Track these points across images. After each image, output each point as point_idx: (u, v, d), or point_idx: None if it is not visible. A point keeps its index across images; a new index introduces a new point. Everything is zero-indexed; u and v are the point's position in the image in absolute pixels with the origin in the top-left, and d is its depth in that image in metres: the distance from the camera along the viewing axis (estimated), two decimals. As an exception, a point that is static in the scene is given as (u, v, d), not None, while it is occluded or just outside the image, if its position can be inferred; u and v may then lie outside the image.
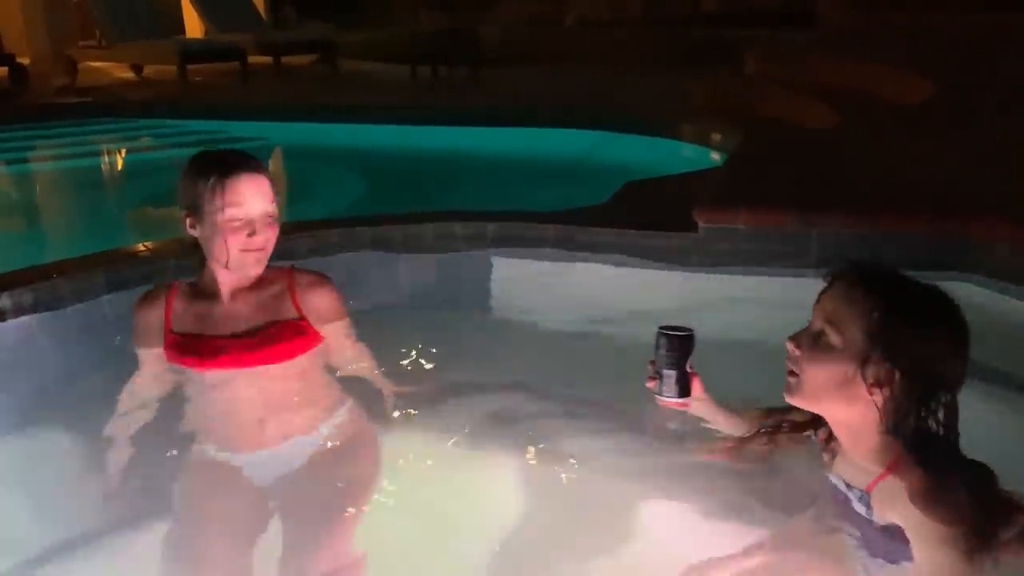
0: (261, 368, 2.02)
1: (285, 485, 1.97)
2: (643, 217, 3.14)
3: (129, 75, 10.44)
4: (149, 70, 10.35)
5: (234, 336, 2.02)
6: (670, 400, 1.67)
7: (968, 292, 2.65)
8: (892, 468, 1.42)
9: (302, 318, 2.07)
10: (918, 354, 1.37)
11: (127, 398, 2.14)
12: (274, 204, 1.98)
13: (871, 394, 1.39)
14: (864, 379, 1.39)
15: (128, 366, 2.20)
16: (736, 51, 8.02)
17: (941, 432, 1.40)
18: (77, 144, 7.49)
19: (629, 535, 1.86)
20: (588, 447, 2.18)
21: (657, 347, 1.65)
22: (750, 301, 2.81)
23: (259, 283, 2.07)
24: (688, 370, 1.66)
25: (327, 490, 1.94)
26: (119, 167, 7.54)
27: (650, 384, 1.69)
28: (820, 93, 5.52)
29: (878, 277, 1.44)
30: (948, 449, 1.41)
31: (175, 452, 2.06)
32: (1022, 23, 6.68)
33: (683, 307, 2.82)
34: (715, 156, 5.22)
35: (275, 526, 1.88)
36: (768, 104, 5.71)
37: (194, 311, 2.06)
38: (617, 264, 3.01)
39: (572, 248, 3.09)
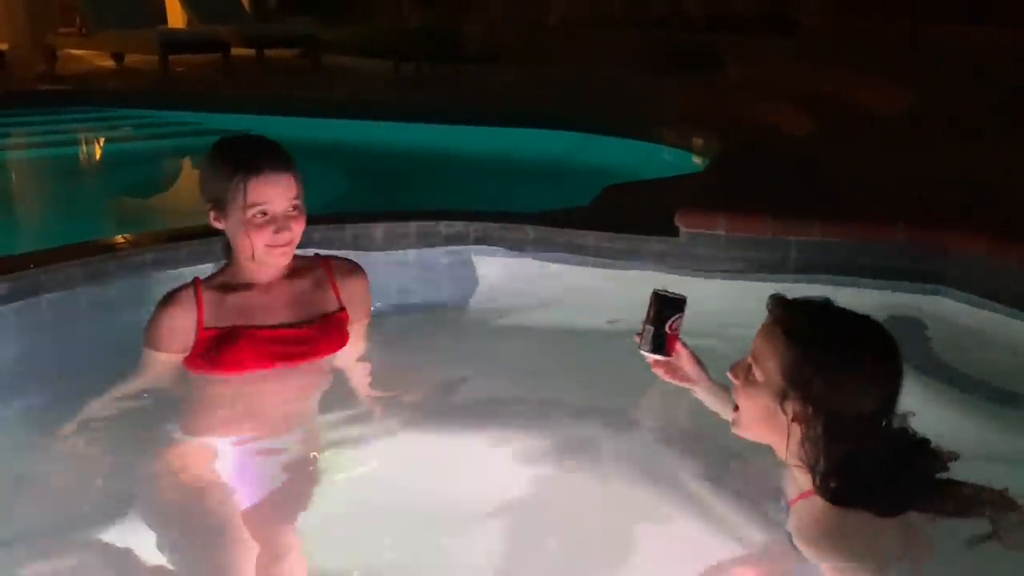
0: (312, 362, 2.00)
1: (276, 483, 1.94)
2: (624, 221, 3.15)
3: (110, 64, 10.32)
4: (130, 59, 10.24)
5: (282, 327, 1.98)
6: (645, 354, 1.76)
7: (942, 304, 2.69)
8: (808, 493, 1.46)
9: (342, 308, 2.06)
10: (829, 394, 1.38)
11: (126, 399, 2.08)
12: (299, 196, 1.96)
13: (791, 427, 1.42)
14: (785, 413, 1.42)
15: (104, 359, 2.18)
16: (718, 56, 8.08)
17: (867, 462, 1.40)
18: (54, 132, 7.40)
19: (619, 536, 1.86)
20: (567, 448, 2.18)
21: (647, 305, 1.74)
22: (730, 306, 2.83)
23: (293, 271, 2.04)
24: (668, 331, 1.71)
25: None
26: (97, 156, 7.46)
27: (636, 338, 1.75)
28: (801, 100, 5.58)
29: (799, 316, 1.45)
30: (873, 478, 1.40)
31: (165, 452, 2.01)
32: (1004, 35, 6.77)
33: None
34: (697, 160, 5.24)
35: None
36: (750, 110, 5.76)
37: (229, 303, 1.99)
38: (597, 267, 3.02)
39: (552, 250, 3.10)
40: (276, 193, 1.91)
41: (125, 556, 1.80)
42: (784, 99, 5.73)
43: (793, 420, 1.41)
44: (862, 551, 1.40)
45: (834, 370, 1.38)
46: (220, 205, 1.93)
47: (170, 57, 9.39)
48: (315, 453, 2.05)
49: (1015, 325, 2.51)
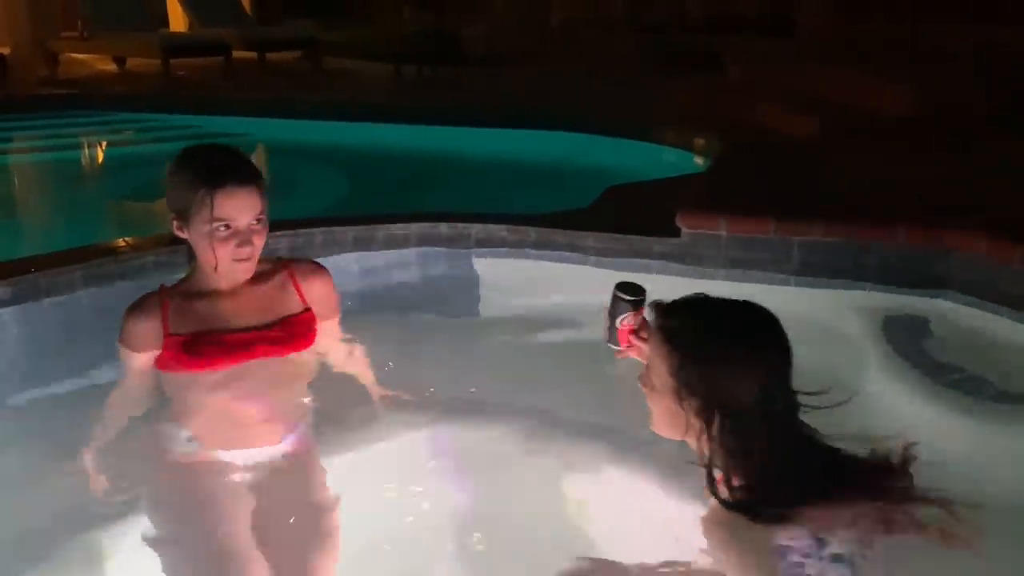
0: (276, 360, 2.01)
1: (269, 483, 1.97)
2: (625, 222, 3.15)
3: (111, 67, 10.34)
4: (132, 63, 10.25)
5: (249, 329, 2.00)
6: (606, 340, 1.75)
7: (944, 305, 2.69)
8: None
9: (308, 308, 2.08)
10: (710, 388, 1.39)
11: (117, 401, 2.10)
12: (264, 211, 1.97)
13: (692, 425, 1.43)
14: (686, 413, 1.44)
15: (107, 363, 2.19)
16: (719, 57, 8.07)
17: (763, 459, 1.39)
18: (56, 136, 7.41)
19: (621, 541, 1.87)
20: (567, 450, 2.19)
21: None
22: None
23: (257, 276, 2.05)
24: (619, 326, 1.70)
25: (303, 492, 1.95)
26: (99, 160, 7.47)
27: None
28: (802, 101, 5.58)
29: (674, 319, 1.46)
30: (767, 472, 1.40)
31: (161, 456, 2.03)
32: (1007, 36, 6.76)
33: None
34: (698, 161, 5.24)
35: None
36: (750, 110, 5.76)
37: (193, 309, 2.02)
38: (598, 268, 3.02)
39: (554, 250, 3.10)
40: (241, 208, 1.91)
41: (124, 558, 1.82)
42: (785, 100, 5.73)
43: (695, 418, 1.43)
44: (744, 547, 1.38)
45: (708, 365, 1.40)
46: (184, 216, 1.94)
47: (171, 60, 9.41)
48: (304, 447, 2.06)
49: (1017, 327, 2.50)
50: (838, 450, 1.45)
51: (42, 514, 1.96)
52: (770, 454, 1.39)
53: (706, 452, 1.43)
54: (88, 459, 2.04)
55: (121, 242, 3.00)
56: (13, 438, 2.30)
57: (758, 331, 1.43)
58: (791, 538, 1.33)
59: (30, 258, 2.80)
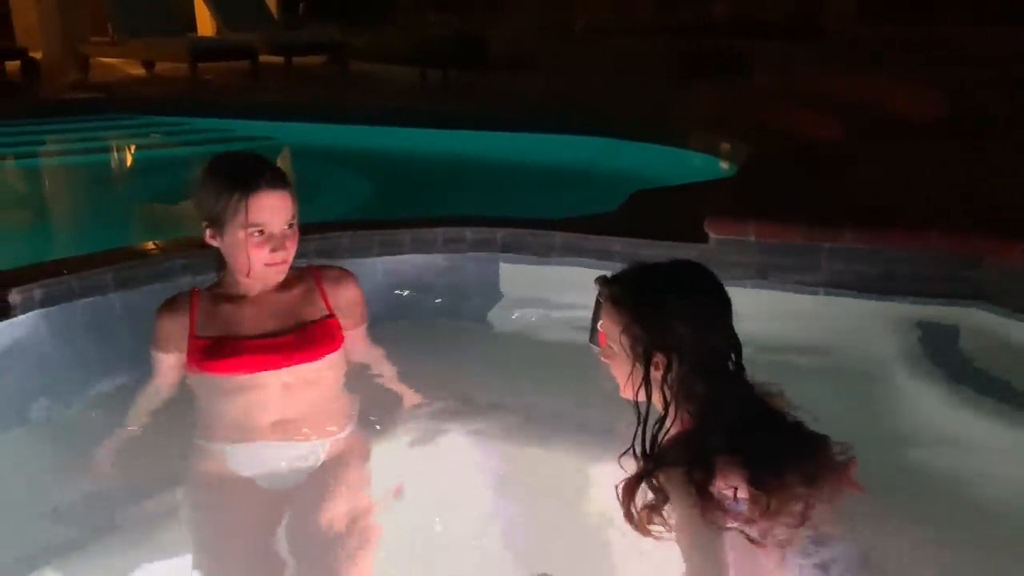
0: (293, 369, 2.02)
1: (295, 489, 1.97)
2: (652, 227, 3.13)
3: (140, 72, 10.46)
4: (160, 67, 10.37)
5: (265, 336, 2.02)
6: None
7: (977, 315, 2.65)
8: None
9: (331, 315, 2.09)
10: (652, 341, 1.50)
11: (145, 402, 2.13)
12: (295, 215, 1.99)
13: (649, 382, 1.52)
14: (642, 370, 1.52)
15: (137, 365, 2.21)
16: (745, 62, 8.02)
17: (703, 399, 1.49)
18: (87, 140, 7.51)
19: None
20: (595, 454, 2.17)
21: None
22: (759, 314, 2.81)
23: (284, 283, 2.07)
24: (598, 327, 1.71)
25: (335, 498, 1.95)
26: (128, 163, 7.56)
27: None
28: (830, 105, 5.52)
29: (617, 285, 1.58)
30: (711, 414, 1.48)
31: (186, 457, 2.05)
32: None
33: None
34: (724, 166, 5.21)
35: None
36: (777, 115, 5.71)
37: (220, 314, 2.05)
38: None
39: (580, 255, 3.09)
40: (275, 212, 1.94)
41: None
42: (813, 105, 5.68)
43: (647, 370, 1.52)
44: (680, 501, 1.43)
45: (648, 317, 1.51)
46: (217, 223, 1.96)
47: (199, 64, 9.50)
48: (337, 451, 2.07)
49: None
50: (799, 424, 1.52)
51: (69, 514, 1.98)
52: (713, 397, 1.49)
53: (660, 403, 1.52)
54: (102, 451, 2.07)
55: (151, 245, 3.03)
56: (44, 439, 2.33)
57: (692, 282, 1.56)
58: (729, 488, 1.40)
59: (61, 260, 2.84)
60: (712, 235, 2.93)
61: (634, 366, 1.53)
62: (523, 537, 1.97)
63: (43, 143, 7.60)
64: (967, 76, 5.73)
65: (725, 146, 5.35)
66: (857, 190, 3.44)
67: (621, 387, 1.61)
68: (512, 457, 2.19)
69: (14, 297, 2.56)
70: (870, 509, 1.83)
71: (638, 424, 1.52)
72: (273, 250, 1.95)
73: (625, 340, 1.53)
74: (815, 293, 2.80)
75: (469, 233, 3.19)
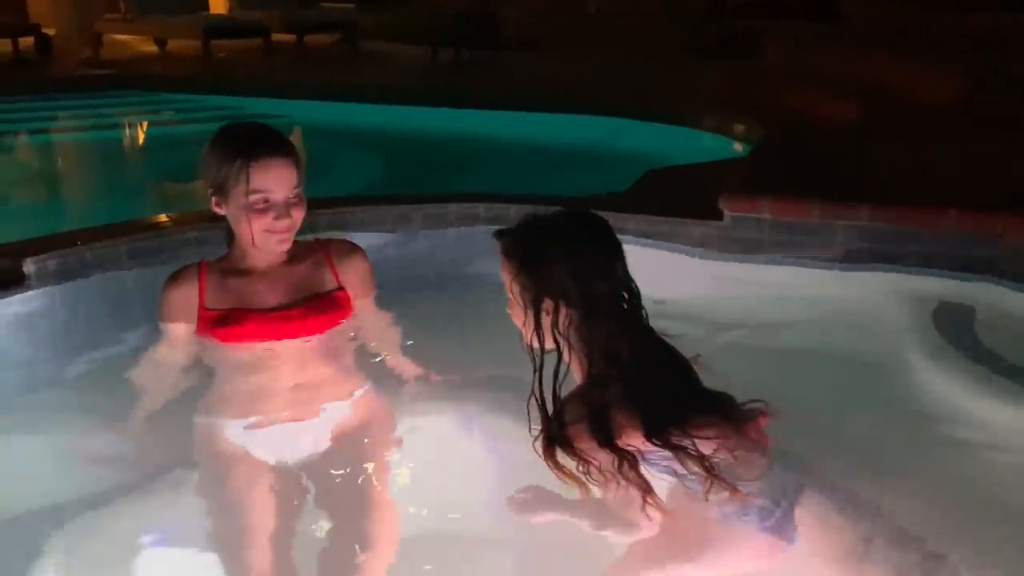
0: (301, 340, 2.02)
1: (312, 460, 1.97)
2: (665, 205, 3.12)
3: (153, 49, 10.44)
4: (173, 44, 10.35)
5: (274, 309, 2.03)
6: None
7: (993, 291, 2.63)
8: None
9: (340, 288, 2.09)
10: (541, 287, 1.56)
11: (149, 369, 2.13)
12: (300, 184, 1.98)
13: (546, 327, 1.57)
14: (538, 317, 1.57)
15: (149, 336, 2.21)
16: (759, 42, 7.95)
17: (595, 343, 1.54)
18: (99, 116, 7.51)
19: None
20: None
21: None
22: (773, 291, 2.80)
23: (293, 256, 2.08)
24: None
25: (353, 466, 1.95)
26: (140, 140, 7.56)
27: None
28: (844, 86, 5.48)
29: (508, 237, 1.63)
30: (604, 357, 1.54)
31: (198, 433, 2.04)
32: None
33: (706, 295, 2.82)
34: (737, 147, 5.18)
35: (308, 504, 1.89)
36: (791, 96, 5.67)
37: (229, 286, 2.05)
38: (639, 248, 2.99)
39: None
40: (278, 180, 1.93)
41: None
42: (827, 85, 5.63)
43: (540, 322, 1.57)
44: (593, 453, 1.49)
45: (535, 265, 1.57)
46: (222, 191, 1.96)
47: (211, 42, 9.48)
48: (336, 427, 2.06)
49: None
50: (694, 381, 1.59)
51: (84, 484, 1.98)
52: (605, 343, 1.54)
53: (556, 348, 1.57)
54: (131, 426, 2.07)
55: (164, 217, 3.03)
56: (59, 410, 2.34)
57: (576, 231, 1.60)
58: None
59: (76, 232, 2.84)
60: (727, 212, 2.92)
61: (527, 314, 1.59)
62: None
63: (56, 119, 7.61)
64: (987, 58, 5.67)
65: (738, 127, 5.31)
66: (873, 169, 3.42)
67: (523, 335, 1.65)
68: (510, 429, 2.18)
69: (28, 266, 2.58)
70: (886, 483, 1.84)
71: (534, 371, 1.56)
72: (276, 218, 1.94)
73: (516, 289, 1.60)
74: (830, 269, 2.79)
75: (482, 210, 3.19)
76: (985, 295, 2.61)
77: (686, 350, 2.31)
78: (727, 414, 1.52)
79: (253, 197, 1.92)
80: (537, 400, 1.55)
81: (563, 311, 1.54)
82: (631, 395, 1.49)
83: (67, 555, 1.76)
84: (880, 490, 1.84)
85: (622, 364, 1.53)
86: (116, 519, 1.87)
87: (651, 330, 1.62)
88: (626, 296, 1.60)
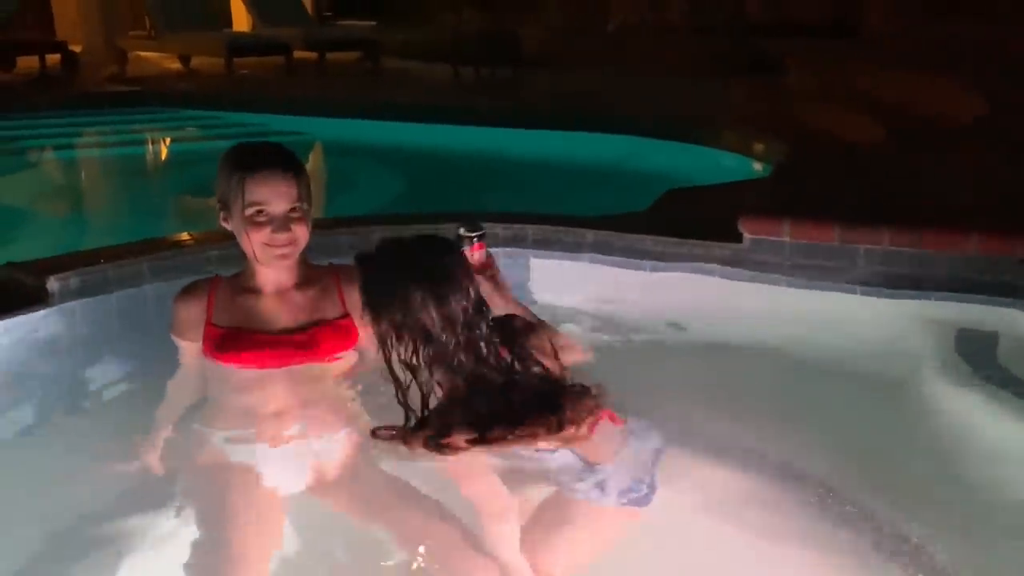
0: (302, 367, 2.03)
1: (296, 488, 1.95)
2: (685, 226, 3.11)
3: (177, 66, 10.58)
4: (196, 61, 10.48)
5: (278, 332, 2.02)
6: None
7: (1016, 317, 2.60)
8: None
9: (346, 315, 2.07)
10: (379, 317, 1.72)
11: (173, 390, 2.15)
12: (302, 201, 1.97)
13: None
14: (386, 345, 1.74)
15: (168, 353, 2.23)
16: (780, 61, 7.94)
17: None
18: (124, 132, 7.62)
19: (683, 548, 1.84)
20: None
21: None
22: (792, 314, 2.78)
23: (304, 280, 2.08)
24: None
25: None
26: (164, 156, 7.65)
27: None
28: (866, 105, 5.45)
29: (357, 271, 1.79)
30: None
31: (195, 448, 2.03)
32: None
33: (724, 317, 2.80)
34: (757, 166, 5.16)
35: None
36: (813, 115, 5.65)
37: (237, 305, 2.05)
38: (656, 272, 2.99)
39: (612, 253, 3.07)
40: (275, 192, 1.93)
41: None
42: (849, 105, 5.61)
43: (386, 346, 1.73)
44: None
45: (368, 295, 1.75)
46: (226, 205, 1.98)
47: (235, 59, 9.59)
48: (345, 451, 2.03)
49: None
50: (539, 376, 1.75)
51: (101, 501, 2.00)
52: (445, 366, 1.69)
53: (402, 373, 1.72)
54: (145, 446, 2.07)
55: (186, 235, 3.06)
56: (78, 427, 2.36)
57: (403, 261, 1.74)
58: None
59: (98, 249, 2.88)
60: (747, 234, 2.90)
61: (373, 337, 1.74)
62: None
63: (81, 135, 7.71)
64: (1010, 77, 5.63)
65: (758, 146, 5.30)
66: (895, 191, 3.39)
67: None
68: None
69: (52, 284, 2.60)
70: (904, 506, 1.82)
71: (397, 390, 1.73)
72: (274, 231, 1.94)
73: (364, 315, 1.76)
74: (851, 293, 2.77)
75: (501, 229, 3.19)
76: (1007, 320, 2.58)
77: (706, 373, 2.32)
78: (575, 409, 1.70)
79: (249, 211, 1.92)
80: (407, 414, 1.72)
81: (403, 337, 1.70)
82: (470, 420, 1.65)
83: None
84: (903, 515, 1.83)
85: (465, 390, 1.68)
86: (135, 532, 1.89)
87: (490, 351, 1.72)
88: (462, 322, 1.69)
